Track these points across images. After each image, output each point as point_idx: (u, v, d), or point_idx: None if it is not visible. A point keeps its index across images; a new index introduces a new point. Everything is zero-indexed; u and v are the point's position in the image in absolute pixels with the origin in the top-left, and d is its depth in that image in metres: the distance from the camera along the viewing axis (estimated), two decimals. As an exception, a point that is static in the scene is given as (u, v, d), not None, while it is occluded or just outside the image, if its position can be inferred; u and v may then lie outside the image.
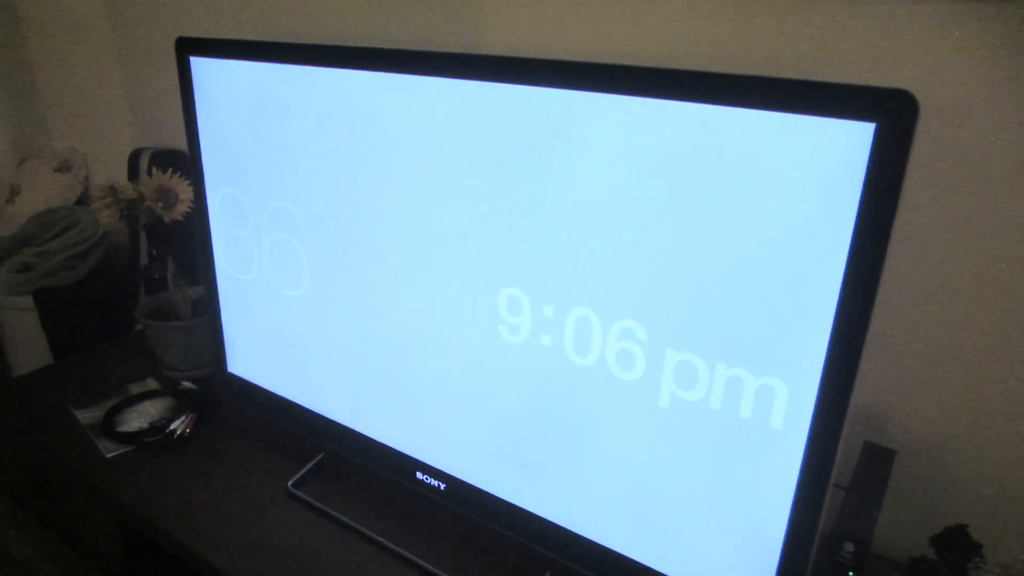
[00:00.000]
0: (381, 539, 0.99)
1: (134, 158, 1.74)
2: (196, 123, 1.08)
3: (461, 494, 0.94)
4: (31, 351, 1.66)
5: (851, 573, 0.71)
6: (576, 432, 0.81)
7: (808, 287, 0.61)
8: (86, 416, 1.24)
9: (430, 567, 0.94)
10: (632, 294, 0.72)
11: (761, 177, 0.61)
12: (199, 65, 1.04)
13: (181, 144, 1.72)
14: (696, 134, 0.63)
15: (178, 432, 1.20)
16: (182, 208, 1.35)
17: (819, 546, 0.68)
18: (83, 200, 2.02)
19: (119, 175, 1.83)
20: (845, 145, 0.56)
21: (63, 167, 2.01)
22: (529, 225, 0.77)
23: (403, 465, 0.99)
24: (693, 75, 0.62)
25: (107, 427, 1.20)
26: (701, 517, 0.74)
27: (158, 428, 1.21)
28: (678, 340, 0.70)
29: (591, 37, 1.05)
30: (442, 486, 0.96)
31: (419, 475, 0.98)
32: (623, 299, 0.72)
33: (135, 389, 1.32)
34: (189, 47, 1.04)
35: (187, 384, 1.33)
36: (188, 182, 1.34)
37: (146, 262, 1.58)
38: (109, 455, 1.15)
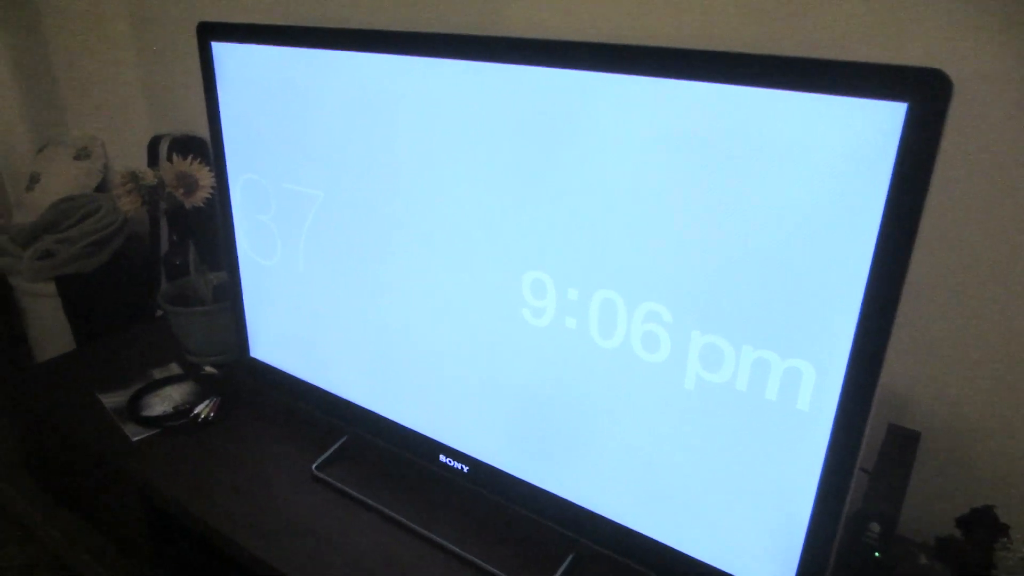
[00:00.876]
0: (405, 521, 1.00)
1: (153, 145, 1.75)
2: (218, 108, 1.08)
3: (484, 476, 0.95)
4: (54, 337, 1.68)
5: (877, 554, 0.72)
6: (600, 414, 0.81)
7: (836, 269, 0.61)
8: (111, 401, 1.26)
9: (455, 548, 0.95)
10: (657, 276, 0.72)
11: (791, 158, 0.61)
12: (220, 50, 1.04)
13: (200, 131, 1.73)
14: (723, 115, 0.63)
15: (202, 416, 1.21)
16: (203, 194, 1.36)
17: (844, 527, 0.68)
18: (103, 187, 2.03)
19: (138, 162, 1.84)
20: (877, 125, 0.56)
21: (82, 155, 2.03)
22: (553, 208, 0.77)
23: (426, 448, 1.00)
24: (720, 55, 0.62)
25: (132, 411, 1.22)
26: (726, 498, 0.75)
27: (182, 412, 1.22)
28: (704, 322, 0.70)
29: (614, 18, 1.04)
30: (465, 468, 0.97)
31: (442, 458, 0.99)
32: (648, 281, 0.72)
33: (158, 374, 1.34)
34: (210, 32, 1.04)
35: (210, 369, 1.34)
36: (208, 168, 1.35)
37: (167, 248, 1.59)
38: (135, 439, 1.16)
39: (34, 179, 2.04)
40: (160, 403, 1.25)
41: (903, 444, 0.84)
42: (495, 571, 0.92)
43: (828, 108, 0.58)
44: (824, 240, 0.61)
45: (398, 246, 0.93)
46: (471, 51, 0.78)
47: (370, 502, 1.03)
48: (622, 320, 0.76)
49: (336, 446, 1.14)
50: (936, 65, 0.53)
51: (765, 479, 0.71)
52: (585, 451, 0.84)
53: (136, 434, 1.17)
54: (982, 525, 0.73)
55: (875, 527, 0.71)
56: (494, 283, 0.85)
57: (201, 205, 1.37)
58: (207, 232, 1.48)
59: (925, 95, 0.53)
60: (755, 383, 0.69)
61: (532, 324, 0.83)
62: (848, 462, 0.65)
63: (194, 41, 1.06)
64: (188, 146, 1.68)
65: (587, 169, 0.73)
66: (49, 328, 1.67)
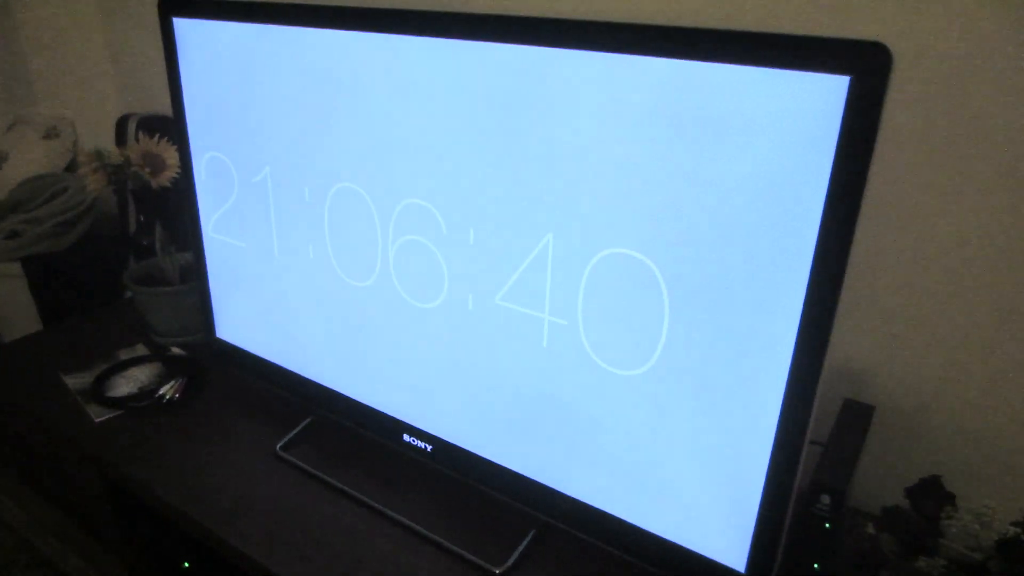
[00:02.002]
0: (368, 500, 1.00)
1: (122, 124, 1.73)
2: (180, 86, 1.07)
3: (447, 455, 0.95)
4: (20, 318, 1.66)
5: (827, 524, 0.73)
6: (557, 392, 0.82)
7: (785, 243, 0.61)
8: (75, 381, 1.25)
9: (417, 527, 0.96)
10: (608, 251, 0.72)
11: (741, 130, 0.61)
12: (182, 26, 1.03)
13: (169, 110, 1.71)
14: (675, 90, 0.63)
15: (167, 397, 1.20)
16: (169, 173, 1.35)
17: (797, 499, 0.69)
18: (72, 167, 2.01)
19: (107, 141, 1.81)
20: (822, 98, 0.56)
21: (51, 133, 2.00)
22: (513, 185, 0.77)
23: (390, 427, 1.00)
24: (669, 30, 0.62)
25: (96, 392, 1.21)
26: (680, 473, 0.75)
27: (147, 393, 1.21)
28: (658, 298, 0.71)
29: None
30: (428, 448, 0.97)
31: (406, 437, 0.99)
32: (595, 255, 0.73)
33: (125, 355, 1.33)
34: (171, 7, 1.03)
35: (176, 350, 1.33)
36: (175, 147, 1.33)
37: (135, 228, 1.57)
38: (98, 420, 1.16)
39: (2, 158, 2.01)
40: (125, 384, 1.25)
41: (857, 418, 0.85)
42: (455, 548, 0.92)
43: (776, 81, 0.58)
44: (773, 212, 0.61)
45: (360, 223, 0.92)
46: (432, 27, 0.77)
47: (333, 481, 1.03)
48: (571, 299, 0.76)
49: (301, 427, 1.13)
50: (879, 39, 0.53)
51: (719, 454, 0.72)
52: (543, 428, 0.85)
53: (100, 415, 1.17)
54: (929, 495, 0.75)
55: (825, 499, 0.72)
56: (455, 261, 0.85)
57: (168, 185, 1.36)
58: (175, 212, 1.47)
59: (867, 68, 0.53)
60: (704, 357, 0.69)
61: (491, 303, 0.83)
62: (798, 436, 0.66)
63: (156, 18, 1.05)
64: (157, 125, 1.66)
65: (548, 146, 0.73)
66: (15, 308, 1.65)
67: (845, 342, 0.96)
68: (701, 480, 0.74)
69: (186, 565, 1.25)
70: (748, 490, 0.71)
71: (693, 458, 0.74)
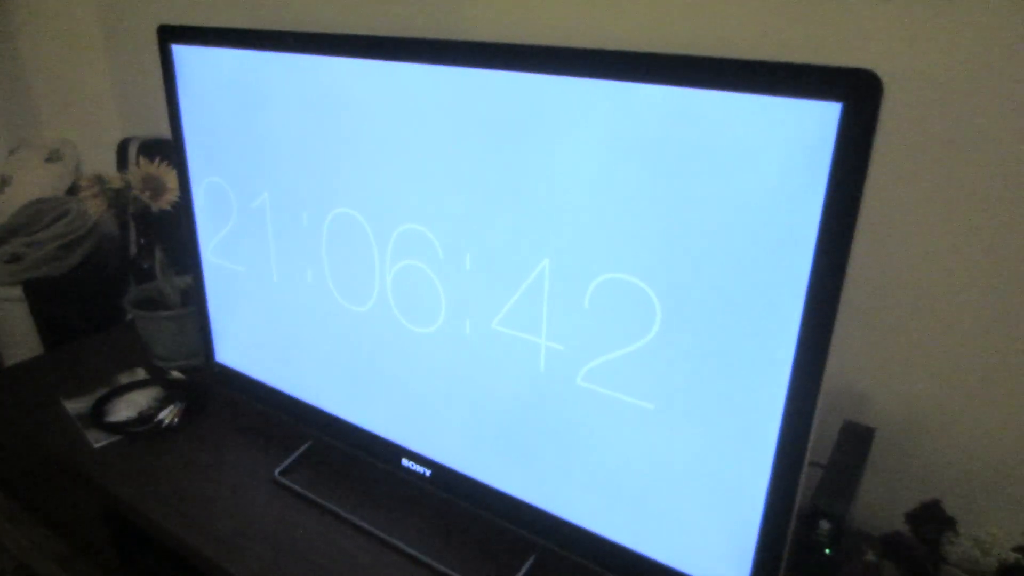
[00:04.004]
0: (367, 526, 0.99)
1: (123, 148, 1.74)
2: (179, 111, 1.08)
3: (446, 480, 0.95)
4: (21, 341, 1.66)
5: (828, 551, 0.72)
6: (554, 416, 0.81)
7: (781, 266, 0.61)
8: (75, 406, 1.25)
9: (415, 552, 0.95)
10: (606, 276, 0.72)
11: (735, 157, 0.61)
12: (181, 53, 1.04)
13: (169, 134, 1.72)
14: (670, 116, 0.63)
15: (166, 422, 1.20)
16: (169, 197, 1.35)
17: (797, 523, 0.69)
18: (74, 190, 2.02)
19: (109, 164, 1.83)
20: (814, 125, 0.56)
21: (54, 157, 2.01)
22: (505, 211, 0.77)
23: (389, 452, 1.00)
24: (662, 58, 0.62)
25: (96, 417, 1.21)
26: (680, 498, 0.75)
27: (146, 418, 1.21)
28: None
29: (564, 23, 1.05)
30: (428, 472, 0.96)
31: (405, 462, 0.98)
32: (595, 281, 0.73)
33: (124, 379, 1.33)
34: (170, 35, 1.04)
35: (176, 374, 1.33)
36: (175, 171, 1.34)
37: (135, 252, 1.58)
38: (97, 445, 1.15)
39: (5, 182, 2.02)
40: (125, 409, 1.24)
41: (857, 440, 0.84)
42: (454, 574, 0.92)
43: (770, 108, 0.58)
44: (768, 236, 0.61)
45: (360, 250, 0.92)
46: (429, 55, 0.78)
47: (331, 507, 1.03)
48: (568, 324, 0.76)
49: (299, 451, 1.13)
50: (868, 66, 0.53)
51: (717, 478, 0.72)
52: (544, 454, 0.84)
53: (99, 440, 1.16)
54: (929, 520, 0.74)
55: (825, 524, 0.71)
56: (451, 286, 0.85)
57: (168, 208, 1.36)
58: (175, 236, 1.47)
59: (858, 95, 0.54)
60: (702, 380, 0.69)
61: (488, 328, 0.83)
62: (797, 459, 0.66)
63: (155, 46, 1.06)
64: (157, 149, 1.67)
65: (542, 172, 0.73)
66: (16, 332, 1.66)
67: (845, 364, 0.96)
68: (701, 505, 0.74)
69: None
70: (748, 514, 0.71)
71: (692, 483, 0.73)
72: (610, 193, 0.69)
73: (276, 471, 1.09)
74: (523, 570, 0.92)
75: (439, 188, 0.81)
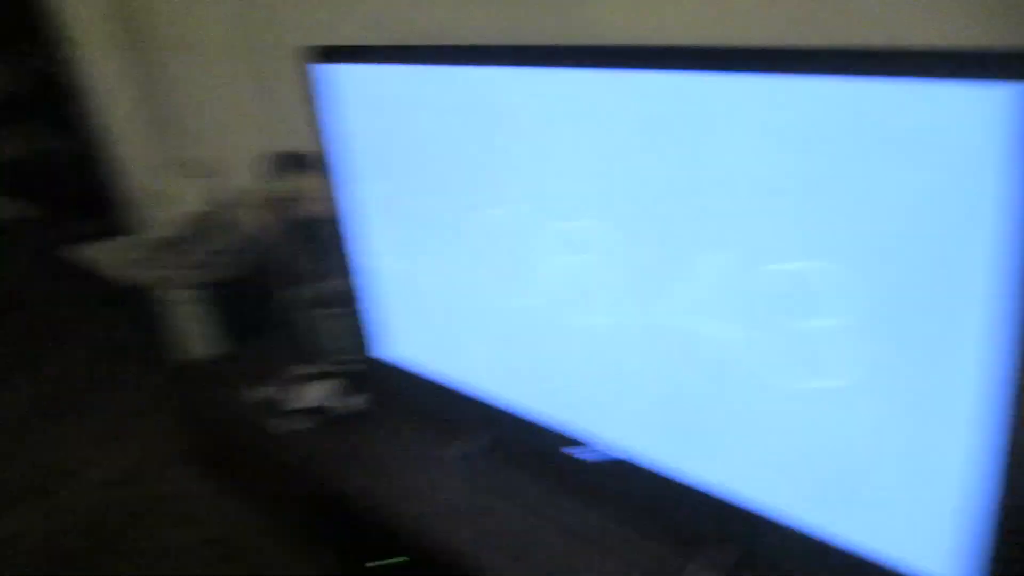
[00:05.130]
0: (552, 512, 1.04)
1: (271, 161, 1.86)
2: (334, 125, 1.15)
3: (630, 470, 0.97)
4: (201, 339, 1.84)
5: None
6: (746, 407, 0.83)
7: (967, 244, 0.61)
8: (257, 396, 1.37)
9: (606, 539, 0.99)
10: (797, 270, 0.74)
11: (915, 146, 0.62)
12: (333, 70, 1.11)
13: (314, 146, 1.83)
14: (846, 107, 0.64)
15: (343, 412, 1.30)
16: (323, 204, 1.45)
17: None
18: (228, 203, 2.18)
19: (258, 178, 1.96)
20: (989, 107, 0.57)
21: (205, 172, 2.18)
22: (680, 205, 0.80)
23: (565, 441, 1.03)
24: (838, 51, 0.64)
25: (279, 406, 1.33)
26: (889, 486, 0.74)
27: (325, 408, 1.32)
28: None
29: (702, 20, 1.04)
30: (607, 460, 0.99)
31: (584, 451, 1.01)
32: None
33: (299, 372, 1.45)
34: (319, 56, 1.11)
35: (348, 368, 1.44)
36: (328, 180, 1.43)
37: (300, 256, 1.70)
38: (283, 432, 1.27)
39: (166, 197, 2.21)
40: (305, 398, 1.36)
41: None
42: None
43: (943, 93, 0.59)
44: (957, 228, 0.61)
45: (533, 247, 0.96)
46: (575, 59, 0.82)
47: (516, 492, 1.08)
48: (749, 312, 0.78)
49: (478, 440, 1.19)
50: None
51: (929, 464, 0.70)
52: (727, 446, 0.85)
53: (284, 427, 1.28)
54: None
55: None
56: (621, 279, 0.89)
57: (324, 215, 1.47)
58: (337, 239, 1.57)
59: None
60: (897, 366, 0.69)
61: (676, 314, 0.85)
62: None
63: (299, 64, 1.13)
64: (299, 161, 1.78)
65: (709, 169, 0.75)
66: (196, 331, 1.84)
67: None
68: (921, 499, 0.72)
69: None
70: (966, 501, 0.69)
71: (913, 477, 0.72)
72: (790, 181, 0.70)
73: (458, 457, 1.16)
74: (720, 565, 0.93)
75: (604, 185, 0.85)
